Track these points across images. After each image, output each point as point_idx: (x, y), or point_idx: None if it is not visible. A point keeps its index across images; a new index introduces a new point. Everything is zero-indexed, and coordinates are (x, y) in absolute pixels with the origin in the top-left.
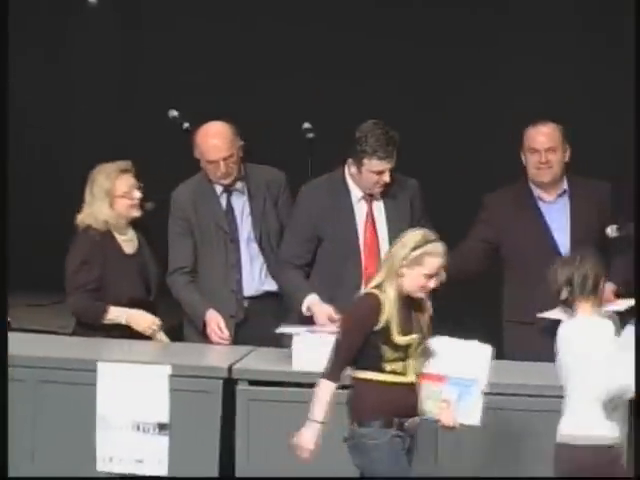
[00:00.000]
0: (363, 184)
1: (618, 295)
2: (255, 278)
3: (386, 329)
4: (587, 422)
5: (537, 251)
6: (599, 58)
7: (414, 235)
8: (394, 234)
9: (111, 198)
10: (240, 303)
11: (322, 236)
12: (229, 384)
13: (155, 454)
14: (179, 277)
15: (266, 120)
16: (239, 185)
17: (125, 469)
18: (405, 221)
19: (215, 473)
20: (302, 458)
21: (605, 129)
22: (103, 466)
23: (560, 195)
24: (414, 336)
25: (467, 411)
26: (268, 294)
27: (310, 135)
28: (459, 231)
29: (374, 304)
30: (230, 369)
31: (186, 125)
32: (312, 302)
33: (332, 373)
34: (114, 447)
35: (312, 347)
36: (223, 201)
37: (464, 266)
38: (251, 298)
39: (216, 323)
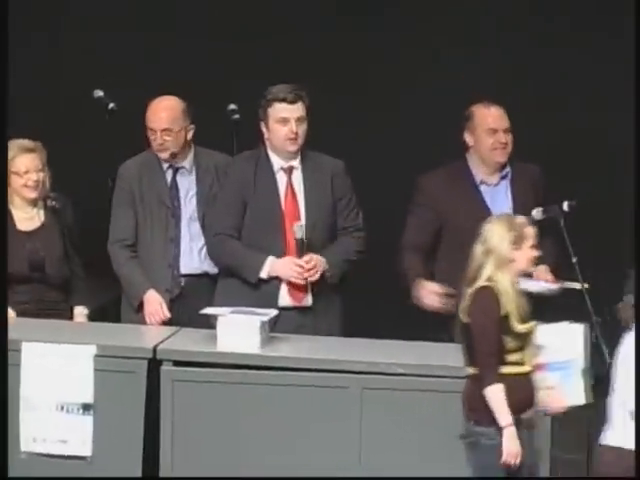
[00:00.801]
0: (275, 142)
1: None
2: (194, 256)
3: (506, 319)
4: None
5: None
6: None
7: (497, 221)
8: (311, 205)
9: (7, 172)
10: (176, 279)
11: (247, 204)
12: (154, 364)
13: (79, 435)
14: (121, 250)
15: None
16: (186, 164)
17: (49, 449)
18: (324, 195)
19: (139, 454)
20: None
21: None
22: (26, 446)
23: (502, 178)
24: (532, 323)
25: (571, 392)
26: (206, 275)
27: (235, 117)
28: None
29: (494, 296)
30: (155, 349)
31: (111, 105)
32: (273, 261)
33: (493, 376)
34: (38, 427)
35: (237, 328)
36: (168, 177)
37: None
38: (188, 276)
39: (159, 303)
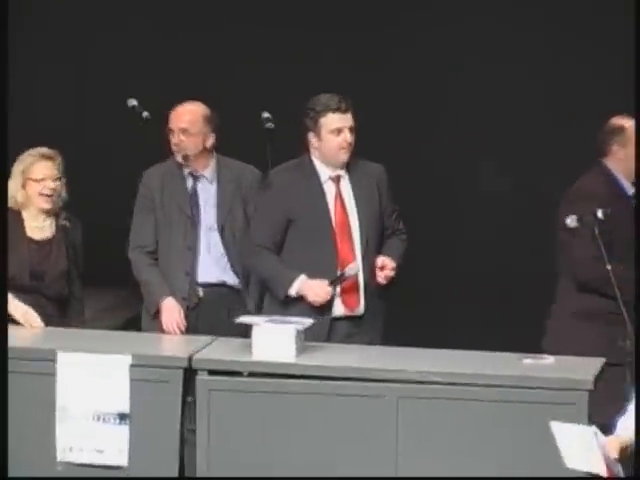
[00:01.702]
0: (327, 152)
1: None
2: (212, 266)
3: None
4: None
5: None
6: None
7: None
8: (363, 215)
9: (24, 179)
10: (193, 287)
11: (293, 218)
12: (189, 374)
13: (115, 444)
14: (141, 256)
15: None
16: (207, 173)
17: (85, 459)
18: (373, 203)
19: (176, 463)
20: None
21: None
22: (63, 456)
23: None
24: None
25: None
26: (225, 285)
27: (269, 125)
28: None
29: None
30: (190, 359)
31: (145, 114)
32: (303, 281)
33: None
34: (74, 437)
35: (272, 337)
36: (189, 185)
37: None
38: (206, 286)
39: (177, 311)
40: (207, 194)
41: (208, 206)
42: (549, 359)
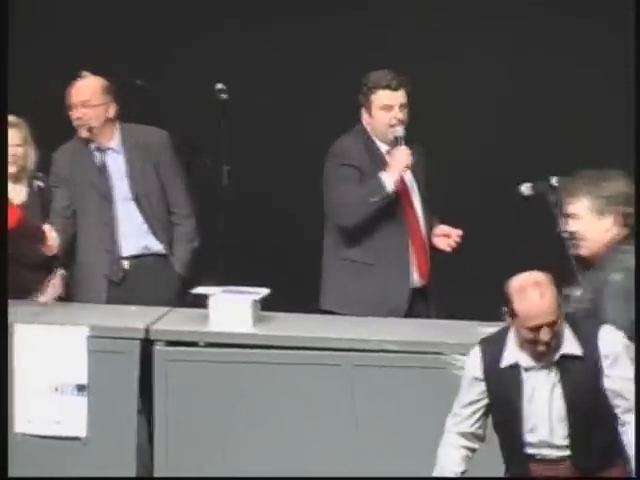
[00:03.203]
0: (378, 128)
1: None
2: (133, 237)
3: None
4: None
5: None
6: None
7: None
8: (418, 184)
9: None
10: (117, 262)
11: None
12: (147, 344)
13: (74, 415)
14: (62, 220)
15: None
16: (114, 144)
17: (43, 430)
18: (422, 177)
19: (133, 434)
20: None
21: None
22: (21, 427)
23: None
24: None
25: None
26: (150, 254)
27: (223, 96)
28: None
29: None
30: (147, 330)
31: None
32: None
33: None
34: (32, 409)
35: (228, 307)
36: (97, 159)
37: None
38: (131, 258)
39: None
40: (117, 166)
41: (120, 177)
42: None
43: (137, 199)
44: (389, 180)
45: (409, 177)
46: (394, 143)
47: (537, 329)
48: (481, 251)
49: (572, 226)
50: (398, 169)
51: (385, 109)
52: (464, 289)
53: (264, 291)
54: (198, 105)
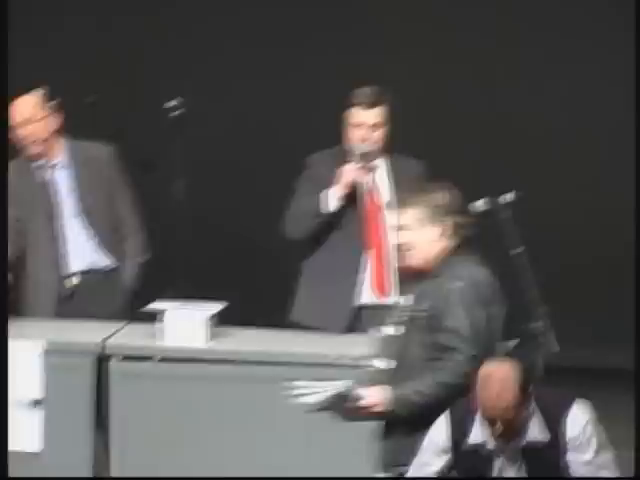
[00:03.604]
0: (350, 143)
1: None
2: (81, 252)
3: None
4: None
5: None
6: None
7: None
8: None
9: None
10: (64, 278)
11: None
12: (102, 359)
13: (28, 430)
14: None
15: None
16: (60, 160)
17: None
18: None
19: (89, 450)
20: None
21: None
22: None
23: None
24: None
25: None
26: (99, 270)
27: (176, 113)
28: None
29: None
30: (103, 345)
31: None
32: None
33: None
34: None
35: (183, 322)
36: (42, 176)
37: None
38: (80, 273)
39: None
40: (63, 181)
41: (67, 193)
42: None
43: (83, 215)
44: (332, 197)
45: (385, 193)
46: (358, 159)
47: (492, 421)
48: None
49: (402, 237)
50: (342, 185)
51: (356, 126)
52: None
53: (219, 306)
54: (154, 120)
